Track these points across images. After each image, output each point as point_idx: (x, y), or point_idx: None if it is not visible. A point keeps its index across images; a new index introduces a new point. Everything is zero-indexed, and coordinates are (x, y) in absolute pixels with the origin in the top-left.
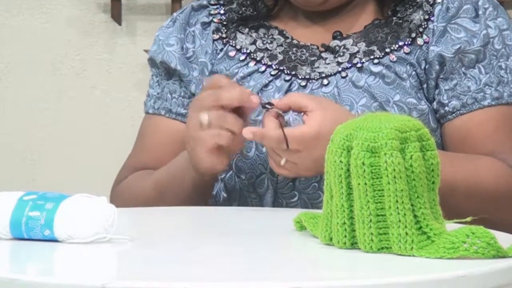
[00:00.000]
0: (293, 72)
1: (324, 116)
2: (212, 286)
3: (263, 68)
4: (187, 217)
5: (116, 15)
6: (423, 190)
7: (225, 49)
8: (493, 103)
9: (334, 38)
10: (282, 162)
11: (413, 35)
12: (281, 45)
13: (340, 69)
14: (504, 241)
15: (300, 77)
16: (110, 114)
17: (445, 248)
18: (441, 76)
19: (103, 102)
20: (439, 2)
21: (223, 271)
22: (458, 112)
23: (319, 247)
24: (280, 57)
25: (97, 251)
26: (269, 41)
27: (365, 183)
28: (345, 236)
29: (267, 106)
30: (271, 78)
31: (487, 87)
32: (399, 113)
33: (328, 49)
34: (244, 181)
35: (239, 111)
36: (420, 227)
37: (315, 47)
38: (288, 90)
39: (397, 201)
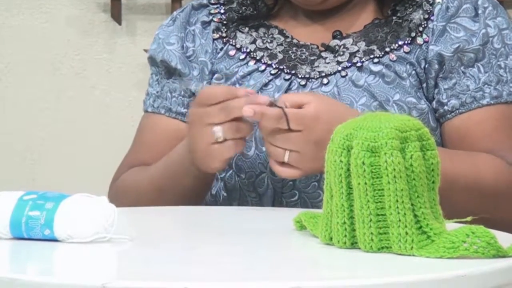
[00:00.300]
0: (293, 71)
1: (321, 101)
2: (212, 286)
3: (263, 67)
4: (187, 216)
5: (116, 14)
6: (423, 189)
7: (225, 48)
8: (492, 102)
9: (334, 37)
10: (286, 156)
11: (413, 34)
12: (281, 44)
13: (340, 68)
14: (504, 240)
15: (300, 76)
16: (110, 114)
17: (445, 248)
18: (441, 75)
19: (103, 102)
20: (438, 2)
21: (223, 270)
22: (457, 111)
23: (319, 246)
24: (280, 56)
25: (97, 250)
26: (269, 40)
27: (365, 183)
28: (345, 235)
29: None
30: (271, 77)
31: (486, 86)
32: (399, 112)
33: (328, 48)
34: (244, 180)
35: None
36: (420, 227)
37: (315, 46)
38: (288, 89)
39: (397, 201)
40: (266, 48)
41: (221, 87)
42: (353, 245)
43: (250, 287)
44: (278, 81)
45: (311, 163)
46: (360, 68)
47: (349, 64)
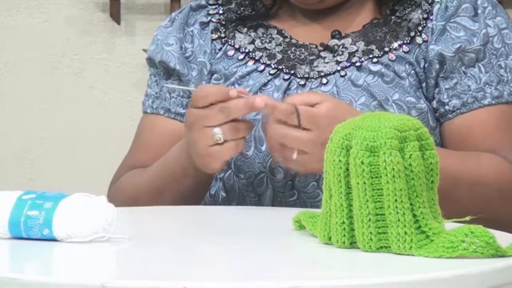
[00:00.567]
0: (292, 71)
1: (332, 104)
2: (211, 286)
3: (262, 67)
4: (186, 216)
5: (115, 14)
6: (422, 189)
7: (223, 48)
8: (493, 102)
9: (333, 37)
10: (294, 155)
11: (412, 34)
12: (280, 44)
13: (339, 68)
14: (503, 240)
15: (299, 76)
16: (109, 113)
17: (444, 247)
18: (441, 75)
19: (102, 102)
20: (437, 1)
21: (222, 270)
22: (458, 111)
23: (318, 246)
24: (279, 56)
25: (96, 250)
26: (267, 41)
27: (364, 182)
28: (344, 235)
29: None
30: (270, 77)
31: (487, 86)
32: (398, 112)
33: (327, 48)
34: (243, 181)
35: None
36: (419, 226)
37: (314, 46)
38: (287, 89)
39: (396, 200)
40: (265, 48)
41: (212, 87)
42: (352, 244)
43: (249, 286)
44: (277, 81)
45: (318, 164)
46: (359, 68)
47: (348, 64)
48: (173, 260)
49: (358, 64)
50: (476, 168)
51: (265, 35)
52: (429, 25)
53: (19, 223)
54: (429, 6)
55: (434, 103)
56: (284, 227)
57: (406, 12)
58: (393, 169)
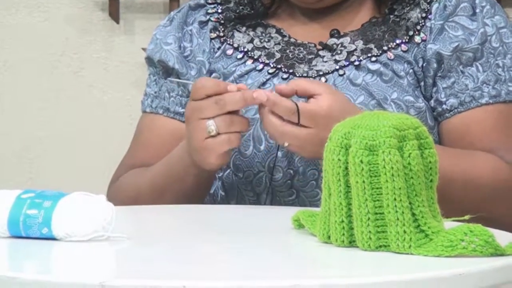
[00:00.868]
0: (291, 70)
1: (333, 99)
2: (210, 285)
3: (260, 66)
4: (185, 215)
5: (114, 13)
6: (421, 188)
7: (222, 47)
8: (491, 101)
9: (331, 36)
10: (286, 144)
11: (411, 33)
12: (279, 43)
13: (337, 67)
14: (502, 239)
15: (297, 75)
16: (108, 112)
17: (443, 246)
18: (439, 74)
19: (101, 101)
20: (436, 0)
21: (221, 269)
22: (456, 110)
23: (317, 245)
24: (278, 55)
25: (95, 249)
26: (266, 40)
27: (363, 181)
28: (343, 234)
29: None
30: (268, 76)
31: (484, 85)
32: (397, 111)
33: (325, 47)
34: (242, 180)
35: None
36: (418, 225)
37: (313, 45)
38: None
39: (395, 199)
40: (264, 47)
41: (210, 79)
42: (351, 243)
43: (249, 285)
44: (276, 80)
45: (309, 154)
46: (358, 67)
47: (347, 63)
48: (172, 259)
49: (356, 63)
50: (471, 168)
51: (264, 34)
52: (428, 24)
53: (18, 222)
54: (428, 5)
55: (432, 102)
56: (283, 226)
57: (405, 11)
58: (392, 168)
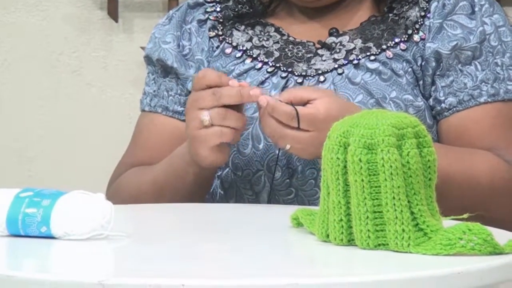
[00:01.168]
0: (290, 69)
1: (330, 101)
2: (209, 283)
3: (259, 65)
4: (184, 214)
5: (112, 12)
6: (420, 186)
7: (221, 46)
8: (490, 100)
9: (330, 35)
10: (287, 147)
11: (410, 31)
12: (277, 42)
13: (336, 65)
14: (501, 237)
15: (296, 74)
16: (107, 111)
17: (442, 245)
18: (438, 73)
19: (100, 99)
20: None
21: (220, 268)
22: (454, 108)
23: (315, 244)
24: (277, 54)
25: (94, 248)
26: (265, 38)
27: (362, 180)
28: (342, 233)
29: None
30: (267, 75)
31: (483, 84)
32: (396, 109)
33: (324, 46)
34: (241, 178)
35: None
36: (417, 224)
37: (312, 44)
38: (285, 87)
39: (394, 198)
40: (263, 46)
41: (214, 71)
42: (350, 242)
43: (247, 284)
44: (274, 79)
45: (310, 156)
46: (356, 66)
47: (346, 62)
48: (171, 258)
49: (355, 62)
50: (470, 166)
51: (262, 33)
52: (427, 22)
53: (17, 221)
54: (427, 4)
55: (431, 101)
56: (282, 224)
57: (404, 9)
58: (391, 166)
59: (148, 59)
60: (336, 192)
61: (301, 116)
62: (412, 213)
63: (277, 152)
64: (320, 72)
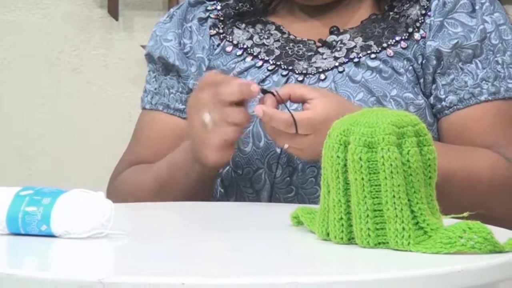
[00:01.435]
0: (290, 67)
1: (327, 102)
2: (209, 282)
3: (260, 63)
4: (184, 212)
5: (113, 10)
6: (420, 185)
7: (222, 44)
8: (490, 98)
9: (331, 33)
10: (285, 146)
11: (410, 30)
12: (278, 40)
13: (337, 64)
14: (501, 236)
15: (297, 72)
16: (107, 109)
17: (442, 243)
18: (438, 71)
19: (100, 98)
20: None
21: (220, 266)
22: (455, 107)
23: (316, 242)
24: (277, 52)
25: (94, 246)
26: (266, 37)
27: (362, 178)
28: (342, 231)
29: (271, 95)
30: (268, 73)
31: (484, 82)
32: (396, 108)
33: (325, 44)
34: (241, 177)
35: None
36: (417, 222)
37: (312, 42)
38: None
39: (394, 196)
40: (263, 44)
41: (218, 74)
42: (350, 240)
43: (247, 282)
44: (275, 77)
45: (310, 157)
46: (357, 64)
47: (346, 60)
48: (171, 256)
49: (356, 60)
50: (470, 164)
51: (263, 31)
52: (427, 21)
53: (17, 219)
54: (427, 2)
55: (431, 99)
56: (282, 223)
57: (404, 8)
58: (391, 165)
59: (149, 57)
60: (336, 190)
61: (298, 122)
62: (412, 211)
63: (277, 150)
64: (320, 70)
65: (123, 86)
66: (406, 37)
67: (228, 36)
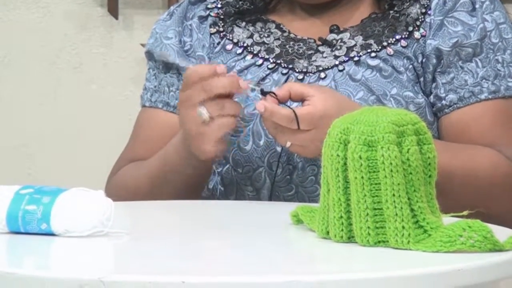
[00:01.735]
0: (290, 66)
1: (327, 97)
2: (209, 280)
3: (260, 61)
4: (184, 211)
5: (113, 9)
6: (420, 183)
7: (222, 42)
8: (490, 96)
9: (331, 31)
10: (288, 144)
11: (410, 28)
12: (278, 38)
13: (337, 62)
14: (501, 234)
15: (297, 70)
16: (107, 108)
17: (442, 242)
18: (438, 70)
19: (100, 96)
20: None
21: (220, 265)
22: (455, 105)
23: (316, 241)
24: (277, 50)
25: (94, 245)
26: (266, 35)
27: (362, 177)
28: (342, 230)
29: (271, 95)
30: (268, 71)
31: (484, 80)
32: (396, 106)
33: (325, 42)
34: (241, 175)
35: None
36: (417, 221)
37: (312, 40)
38: (285, 83)
39: (393, 195)
40: (263, 43)
41: (202, 65)
42: (350, 239)
43: (247, 281)
44: (275, 76)
45: (312, 154)
46: (357, 62)
47: (347, 58)
48: (171, 255)
49: (356, 58)
50: (470, 162)
51: (263, 30)
52: (427, 19)
53: (17, 218)
54: (427, 1)
55: (432, 98)
56: (282, 221)
57: (405, 6)
58: (391, 163)
59: (149, 55)
60: (336, 189)
61: (299, 117)
62: (412, 210)
63: (278, 149)
64: (321, 68)
65: (123, 85)
66: (406, 35)
67: (228, 35)
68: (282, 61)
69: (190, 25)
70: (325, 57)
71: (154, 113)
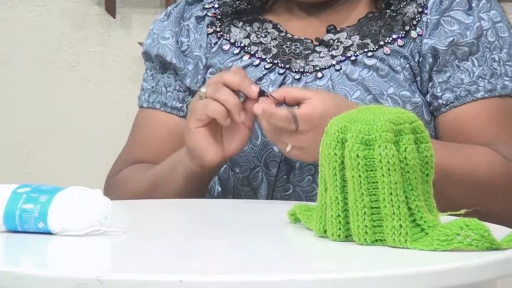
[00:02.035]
0: (287, 66)
1: (324, 98)
2: (207, 279)
3: (257, 61)
4: (181, 209)
5: (110, 7)
6: (417, 182)
7: (219, 42)
8: (486, 95)
9: (328, 31)
10: (288, 148)
11: (407, 28)
12: (275, 38)
13: (334, 62)
14: (498, 233)
15: (294, 70)
16: (104, 107)
17: (439, 241)
18: (435, 69)
19: (97, 95)
20: None
21: (218, 263)
22: (451, 104)
23: (313, 239)
24: (274, 50)
25: (91, 243)
26: (263, 35)
27: (359, 176)
28: (339, 228)
29: (268, 97)
30: (265, 71)
31: (480, 79)
32: (393, 106)
33: (322, 42)
34: (239, 175)
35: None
36: (414, 220)
37: (309, 40)
38: (282, 83)
39: (391, 194)
40: (260, 43)
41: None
42: (347, 238)
43: (245, 280)
44: (272, 76)
45: (313, 157)
46: (354, 62)
47: (343, 58)
48: (168, 254)
49: (353, 58)
50: (467, 161)
51: (260, 30)
52: (424, 19)
53: (14, 217)
54: (424, 0)
55: (428, 97)
56: (279, 220)
57: (401, 6)
58: (388, 162)
59: (146, 55)
60: (334, 187)
61: (298, 117)
62: (409, 208)
63: (275, 149)
64: (317, 68)
65: (120, 84)
66: (403, 35)
67: (225, 35)
68: (279, 61)
69: (187, 25)
70: (322, 57)
71: (152, 114)
